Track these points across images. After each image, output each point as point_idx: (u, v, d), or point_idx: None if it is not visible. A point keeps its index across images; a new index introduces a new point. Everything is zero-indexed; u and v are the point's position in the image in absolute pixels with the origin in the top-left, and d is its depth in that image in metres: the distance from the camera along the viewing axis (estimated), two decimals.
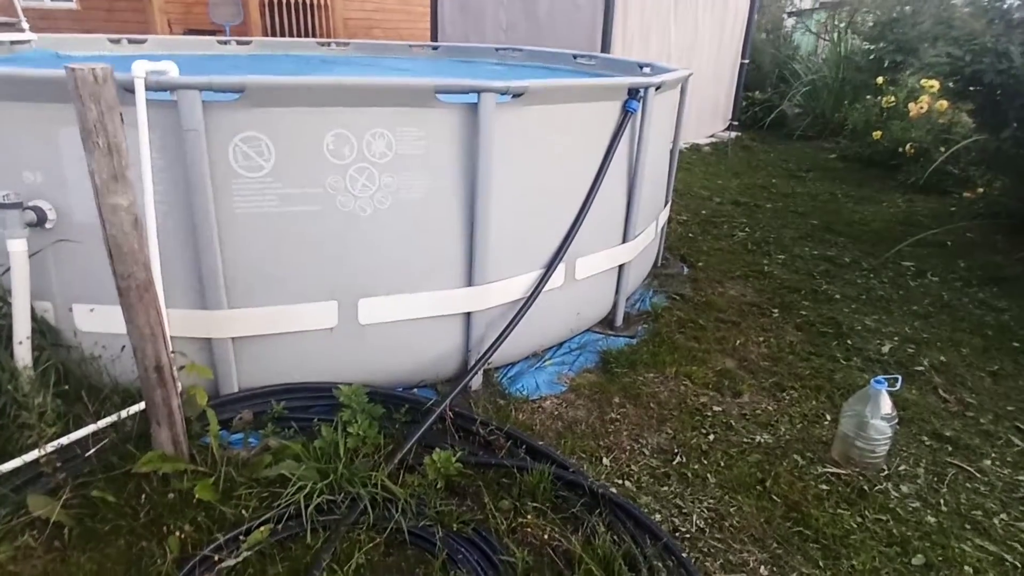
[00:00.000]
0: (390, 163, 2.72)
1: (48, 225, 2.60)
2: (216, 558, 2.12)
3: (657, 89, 3.67)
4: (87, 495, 2.31)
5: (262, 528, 2.22)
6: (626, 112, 3.53)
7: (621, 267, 3.95)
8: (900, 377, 2.85)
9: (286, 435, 2.67)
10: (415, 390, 3.09)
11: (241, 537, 2.20)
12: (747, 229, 6.32)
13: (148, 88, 2.33)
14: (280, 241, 2.68)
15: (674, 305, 4.48)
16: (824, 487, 2.78)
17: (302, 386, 2.88)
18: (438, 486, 2.48)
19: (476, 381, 3.24)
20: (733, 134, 11.15)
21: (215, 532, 2.23)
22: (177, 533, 2.15)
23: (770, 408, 3.35)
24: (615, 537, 2.32)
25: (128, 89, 2.29)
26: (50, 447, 2.36)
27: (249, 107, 2.47)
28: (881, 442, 2.85)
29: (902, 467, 2.94)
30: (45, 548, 2.19)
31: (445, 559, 2.17)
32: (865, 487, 2.78)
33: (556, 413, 3.17)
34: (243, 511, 2.32)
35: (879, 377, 2.85)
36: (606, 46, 8.25)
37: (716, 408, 3.31)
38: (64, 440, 2.44)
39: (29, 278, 2.59)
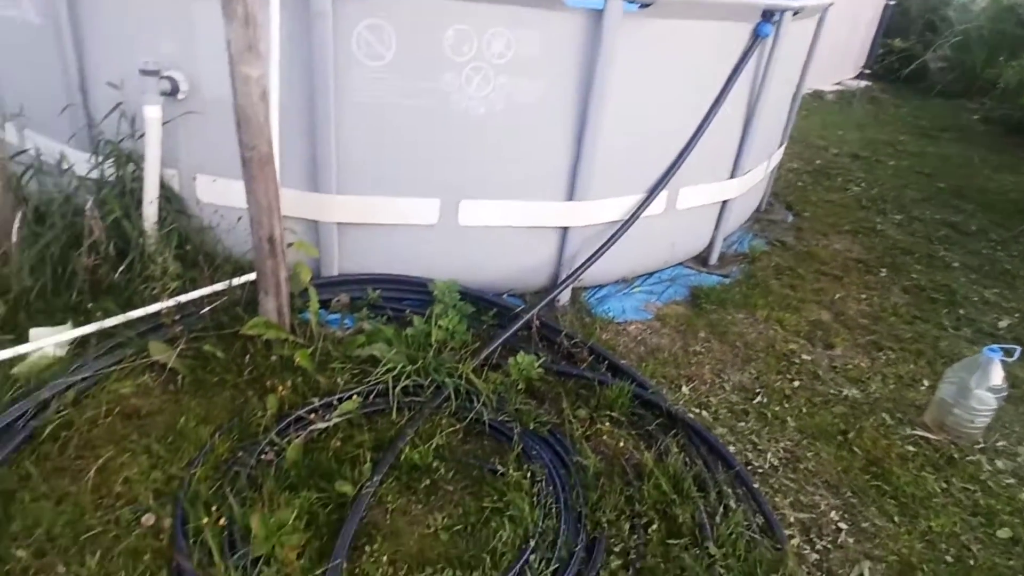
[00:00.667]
0: (507, 64, 2.67)
1: (180, 96, 2.74)
2: (310, 418, 2.29)
3: (795, 14, 3.40)
4: (199, 348, 2.52)
5: (353, 399, 2.36)
6: (756, 36, 3.29)
7: (724, 203, 3.80)
8: (1020, 349, 2.63)
9: (379, 321, 2.79)
10: (504, 296, 3.13)
11: (333, 404, 2.35)
12: (863, 184, 5.89)
13: None
14: (392, 134, 2.72)
15: (773, 251, 4.29)
16: (910, 448, 2.66)
17: (398, 278, 2.98)
18: (519, 387, 2.55)
19: (564, 296, 3.26)
20: (863, 83, 10.26)
21: (310, 397, 2.40)
22: (279, 389, 2.33)
23: (863, 365, 3.21)
24: (687, 459, 2.33)
25: None
26: (171, 302, 2.58)
27: None
28: (982, 413, 2.68)
29: (1001, 442, 2.77)
30: (161, 389, 2.43)
31: (520, 453, 2.25)
32: (955, 455, 2.65)
33: (640, 338, 3.15)
34: (336, 381, 2.47)
35: (993, 346, 2.65)
36: None
37: (805, 356, 3.20)
38: (183, 297, 2.66)
39: (160, 145, 2.77)
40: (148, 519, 1.90)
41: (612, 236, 3.13)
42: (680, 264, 3.88)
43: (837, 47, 9.78)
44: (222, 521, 1.87)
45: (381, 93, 2.63)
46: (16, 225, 2.68)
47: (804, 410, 2.82)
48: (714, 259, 3.95)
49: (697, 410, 2.72)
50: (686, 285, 3.66)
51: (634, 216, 3.18)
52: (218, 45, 2.10)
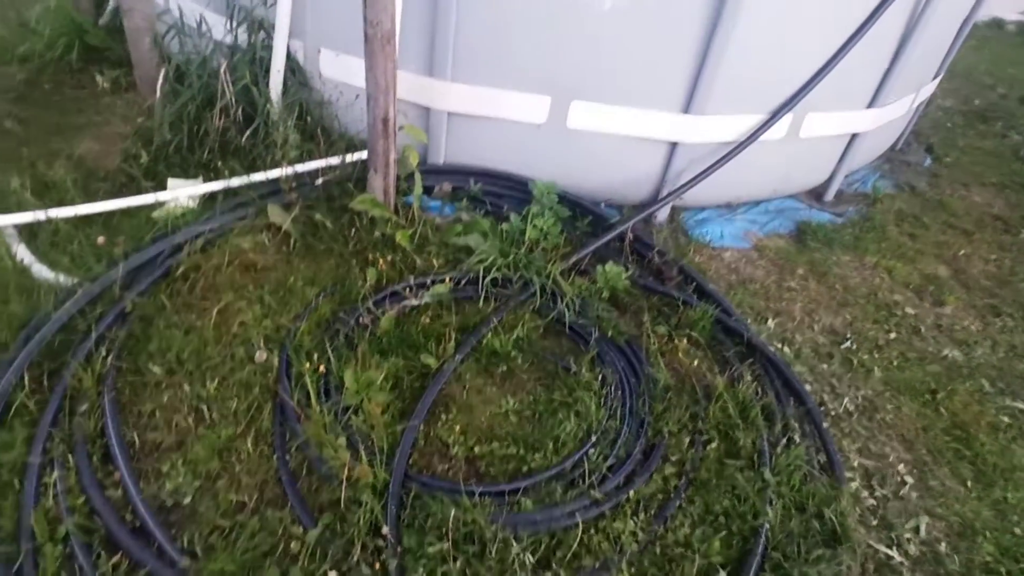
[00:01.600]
0: None
1: None
2: (405, 294, 2.45)
3: None
4: (311, 216, 2.71)
5: (445, 282, 2.50)
6: None
7: (854, 136, 3.52)
8: None
9: (478, 213, 2.87)
10: (602, 205, 3.12)
11: (427, 284, 2.49)
12: None
13: None
14: (512, 23, 2.67)
15: (899, 195, 3.97)
16: (1005, 419, 2.53)
17: (500, 173, 3.02)
18: (603, 295, 2.59)
19: (662, 214, 3.21)
20: None
21: (406, 274, 2.55)
22: (380, 264, 2.49)
23: (973, 328, 3.01)
24: (759, 389, 2.33)
25: None
26: (289, 170, 2.76)
27: None
28: None
29: None
30: (275, 248, 2.65)
31: (595, 356, 2.33)
32: None
33: (734, 266, 3.08)
34: (432, 263, 2.61)
35: None
36: None
37: (909, 310, 3.03)
38: (300, 167, 2.83)
39: (290, 15, 2.86)
40: (261, 355, 2.15)
41: (723, 158, 3.00)
42: (792, 196, 3.68)
43: None
44: (321, 370, 2.08)
45: None
46: (160, 82, 2.91)
47: (895, 363, 2.71)
48: (830, 195, 3.72)
49: (780, 345, 2.68)
50: (794, 219, 3.49)
51: (751, 138, 3.02)
52: None
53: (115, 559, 1.63)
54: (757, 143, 3.07)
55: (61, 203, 2.64)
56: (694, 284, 2.73)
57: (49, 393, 1.96)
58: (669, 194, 3.02)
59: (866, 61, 3.16)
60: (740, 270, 3.07)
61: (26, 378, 1.96)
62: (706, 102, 2.86)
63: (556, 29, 2.67)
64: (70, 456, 1.82)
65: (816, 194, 3.75)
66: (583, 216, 2.95)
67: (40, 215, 2.50)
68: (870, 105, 3.40)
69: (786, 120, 3.10)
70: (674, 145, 3.01)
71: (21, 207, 2.58)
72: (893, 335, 2.87)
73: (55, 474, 1.76)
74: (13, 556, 1.61)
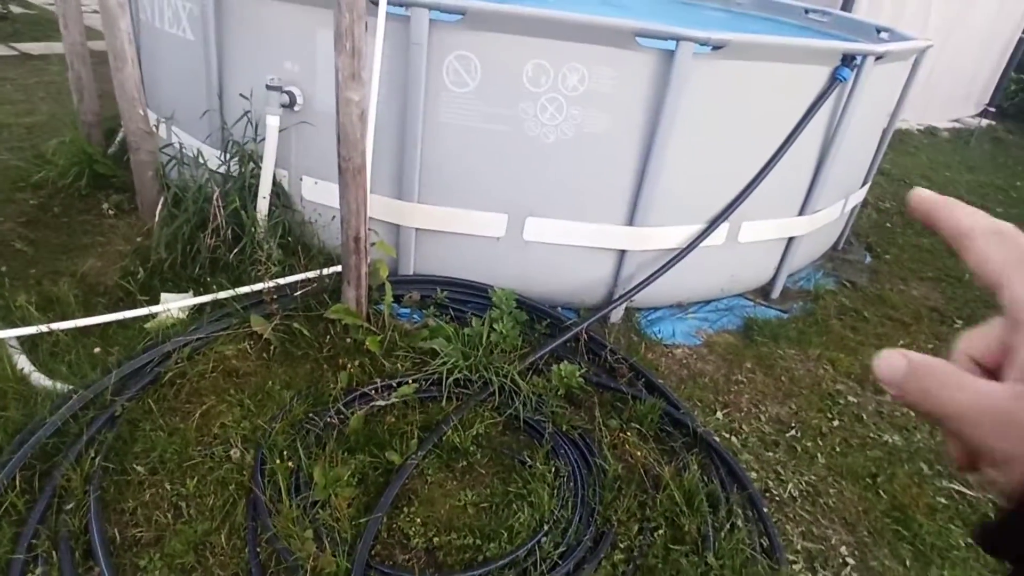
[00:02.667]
0: (580, 97, 2.94)
1: (296, 108, 3.20)
2: (373, 395, 2.65)
3: (878, 59, 3.45)
4: (290, 325, 2.95)
5: (411, 384, 2.71)
6: (835, 80, 3.37)
7: (791, 240, 3.88)
8: None
9: (443, 319, 3.13)
10: (559, 308, 3.39)
11: (394, 385, 2.71)
12: None
13: (389, 3, 2.75)
14: (470, 153, 3.06)
15: (841, 291, 4.29)
16: (942, 500, 2.69)
17: (464, 282, 3.31)
18: (558, 392, 2.80)
19: (616, 314, 3.48)
20: (984, 122, 9.67)
21: (375, 377, 2.77)
22: (350, 368, 2.71)
23: (911, 413, 3.21)
24: (705, 477, 2.51)
25: (373, 2, 2.72)
26: (271, 283, 3.03)
27: (467, 29, 2.81)
28: None
29: None
30: (256, 355, 2.88)
31: (549, 449, 2.51)
32: (991, 513, 2.65)
33: (685, 362, 3.32)
34: (398, 367, 2.83)
35: None
36: (848, 2, 7.52)
37: (851, 398, 3.25)
38: (281, 280, 3.11)
39: (276, 148, 3.24)
40: (235, 453, 2.32)
41: (667, 264, 3.32)
42: (740, 295, 3.98)
43: (959, 81, 9.31)
44: (291, 466, 2.26)
45: (464, 116, 2.97)
46: (159, 207, 3.24)
47: (838, 449, 2.90)
48: (776, 293, 4.02)
49: (727, 435, 2.87)
50: (741, 316, 3.77)
51: (691, 246, 3.35)
52: (333, 67, 2.51)
53: None
54: (700, 248, 3.40)
55: (63, 316, 2.88)
56: (643, 379, 2.96)
57: (39, 493, 2.12)
58: (619, 298, 3.31)
59: (792, 173, 3.56)
60: (691, 365, 3.30)
61: (17, 479, 2.12)
62: (647, 215, 3.21)
63: (509, 158, 3.05)
64: (54, 552, 1.96)
65: (763, 292, 4.05)
66: (541, 319, 3.21)
67: (43, 328, 2.74)
68: (801, 212, 3.78)
69: (723, 229, 3.45)
70: (623, 252, 3.33)
71: (25, 321, 2.82)
72: (836, 422, 3.07)
73: (39, 570, 1.89)
74: None
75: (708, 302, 3.82)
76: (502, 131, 2.99)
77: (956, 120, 9.61)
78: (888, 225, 5.60)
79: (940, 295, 4.47)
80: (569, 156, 3.06)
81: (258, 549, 2.06)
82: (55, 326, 2.77)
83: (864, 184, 4.63)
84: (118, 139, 4.52)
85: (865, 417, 3.14)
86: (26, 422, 2.38)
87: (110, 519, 2.12)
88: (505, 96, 2.93)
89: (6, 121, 5.36)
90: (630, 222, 3.25)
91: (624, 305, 3.40)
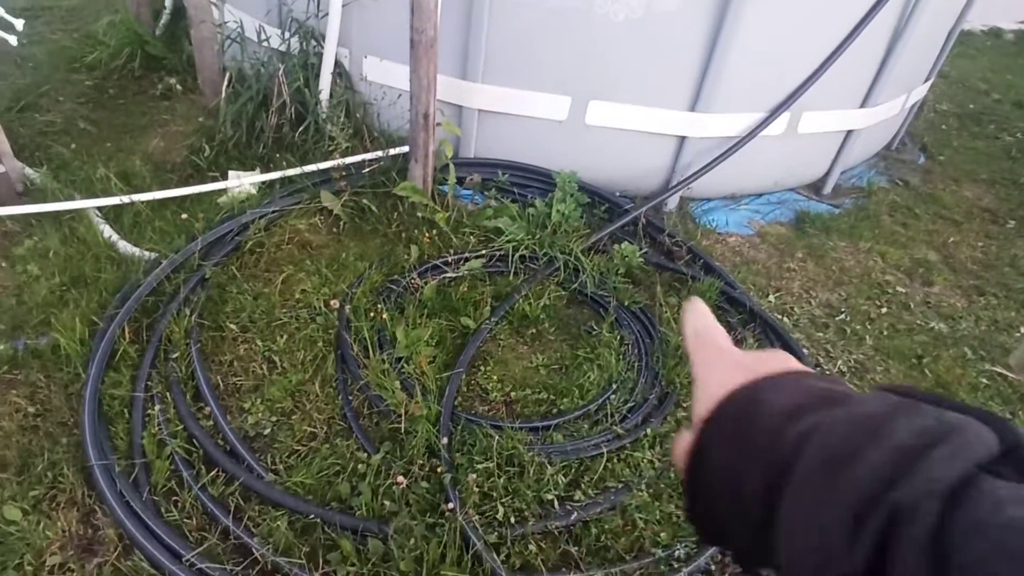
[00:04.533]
0: None
1: None
2: (443, 268, 2.77)
3: None
4: (358, 202, 3.04)
5: (479, 259, 2.81)
6: None
7: (848, 133, 3.82)
8: None
9: (505, 200, 3.20)
10: (617, 194, 3.43)
11: (462, 260, 2.81)
12: (1018, 135, 5.52)
13: None
14: (536, 31, 3.01)
15: (893, 189, 4.26)
16: (984, 380, 2.80)
17: (525, 166, 3.34)
18: (619, 271, 2.90)
19: (672, 202, 3.51)
20: None
21: (444, 252, 2.87)
22: (423, 239, 2.81)
23: (958, 304, 3.29)
24: (760, 348, 2.62)
25: None
26: (339, 161, 3.09)
27: None
28: None
29: None
30: (327, 229, 2.98)
31: (614, 320, 2.63)
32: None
33: (737, 249, 3.39)
34: (466, 243, 2.93)
35: None
36: None
37: (900, 288, 3.32)
38: (347, 159, 3.16)
39: (339, 25, 3.21)
40: (335, 302, 2.48)
41: (725, 152, 3.31)
42: (792, 189, 3.98)
43: None
44: (375, 328, 2.40)
45: None
46: (224, 85, 3.26)
47: (885, 332, 2.99)
48: (828, 189, 4.01)
49: (780, 316, 2.97)
50: (793, 209, 3.79)
51: (752, 134, 3.33)
52: None
53: (212, 474, 1.95)
54: (758, 138, 3.37)
55: (138, 190, 2.99)
56: (701, 261, 3.04)
57: (146, 343, 2.29)
58: (677, 184, 3.33)
59: (858, 63, 3.47)
60: (743, 253, 3.37)
61: (126, 330, 2.29)
62: (710, 101, 3.18)
63: (575, 38, 3.00)
64: (168, 394, 2.14)
65: (815, 187, 4.04)
66: (600, 203, 3.26)
67: (124, 199, 2.85)
68: (863, 104, 3.70)
69: (784, 118, 3.41)
70: (682, 140, 3.33)
71: (106, 193, 2.93)
72: (884, 310, 3.15)
73: (157, 407, 2.08)
74: (129, 469, 1.93)
75: (761, 195, 3.83)
76: (571, 7, 2.92)
77: (1023, 22, 9.08)
78: (944, 127, 5.45)
79: (993, 196, 4.43)
80: (636, 36, 3.00)
81: (350, 397, 2.23)
82: (135, 197, 2.88)
83: (927, 81, 4.48)
84: (163, 21, 4.47)
85: (912, 306, 3.21)
86: (122, 284, 2.53)
87: (211, 368, 2.30)
88: None
89: (46, 4, 5.30)
90: (692, 108, 3.22)
91: (679, 193, 3.43)
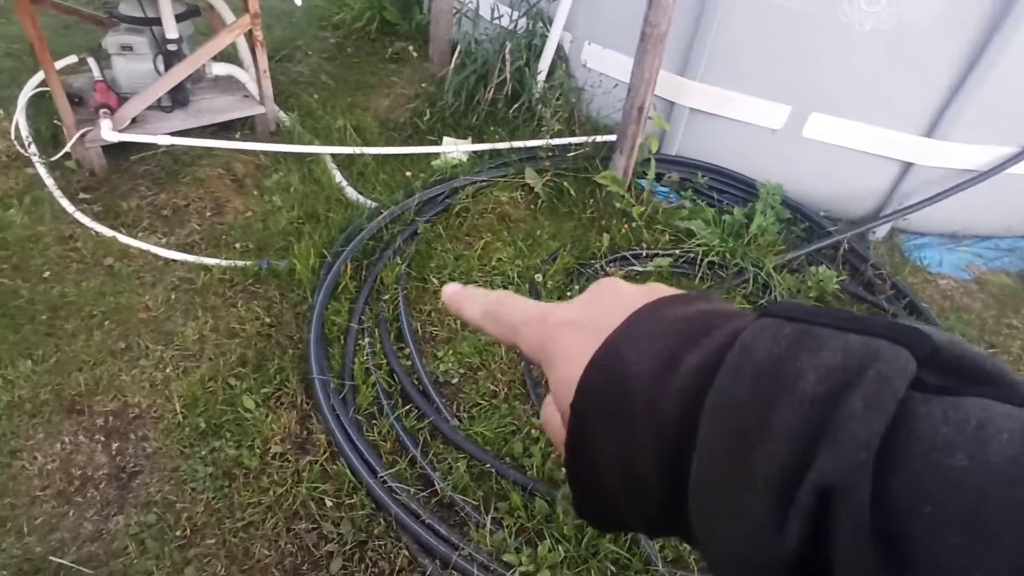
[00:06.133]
0: None
1: None
2: (631, 260, 2.82)
3: None
4: (559, 183, 3.16)
5: (667, 257, 2.83)
6: None
7: None
8: None
9: (701, 203, 3.17)
10: (820, 214, 3.26)
11: (651, 256, 2.84)
12: None
13: None
14: (768, 33, 2.92)
15: None
16: None
17: (726, 171, 3.28)
18: (811, 294, 2.78)
19: (881, 231, 3.28)
20: None
21: (634, 245, 2.92)
22: (618, 228, 2.88)
23: None
24: None
25: None
26: (546, 141, 3.23)
27: None
28: None
29: None
30: (525, 205, 3.13)
31: None
32: None
33: (949, 293, 3.09)
34: (657, 239, 2.95)
35: None
36: None
37: None
38: (554, 141, 3.29)
39: (568, 10, 3.32)
40: (538, 276, 2.64)
41: (957, 185, 3.01)
42: None
43: None
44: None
45: None
46: (455, 55, 3.51)
47: None
48: None
49: None
50: None
51: (994, 170, 3.00)
52: None
53: (406, 408, 2.17)
54: (1000, 176, 3.03)
55: (367, 143, 3.33)
56: (906, 300, 2.82)
57: (363, 282, 2.58)
58: (893, 212, 3.09)
59: None
60: (955, 299, 3.07)
61: (348, 268, 2.59)
62: (951, 128, 2.90)
63: (808, 44, 2.87)
64: (376, 330, 2.41)
65: None
66: (800, 221, 3.12)
67: (356, 150, 3.19)
68: None
69: None
70: (907, 166, 3.08)
71: (342, 142, 3.30)
72: None
73: (367, 340, 2.35)
74: (339, 388, 2.21)
75: (988, 238, 3.44)
76: (812, 13, 2.80)
77: None
78: None
79: None
80: (879, 48, 2.81)
81: (531, 366, 2.37)
82: (365, 150, 3.21)
83: None
84: None
85: None
86: (346, 225, 2.85)
87: (413, 315, 2.55)
88: None
89: None
90: (928, 133, 2.96)
91: (892, 223, 3.18)
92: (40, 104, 3.26)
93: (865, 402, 0.22)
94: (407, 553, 1.83)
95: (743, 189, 3.22)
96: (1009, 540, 0.19)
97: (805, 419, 0.22)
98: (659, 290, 0.33)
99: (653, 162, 3.13)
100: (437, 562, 1.79)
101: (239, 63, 3.44)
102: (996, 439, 0.20)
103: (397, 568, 1.80)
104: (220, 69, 3.29)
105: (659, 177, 3.31)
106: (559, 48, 3.48)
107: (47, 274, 2.53)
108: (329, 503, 1.92)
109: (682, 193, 3.23)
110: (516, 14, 3.50)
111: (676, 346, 0.28)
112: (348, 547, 1.83)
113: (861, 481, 0.21)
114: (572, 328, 0.32)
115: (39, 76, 3.25)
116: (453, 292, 0.41)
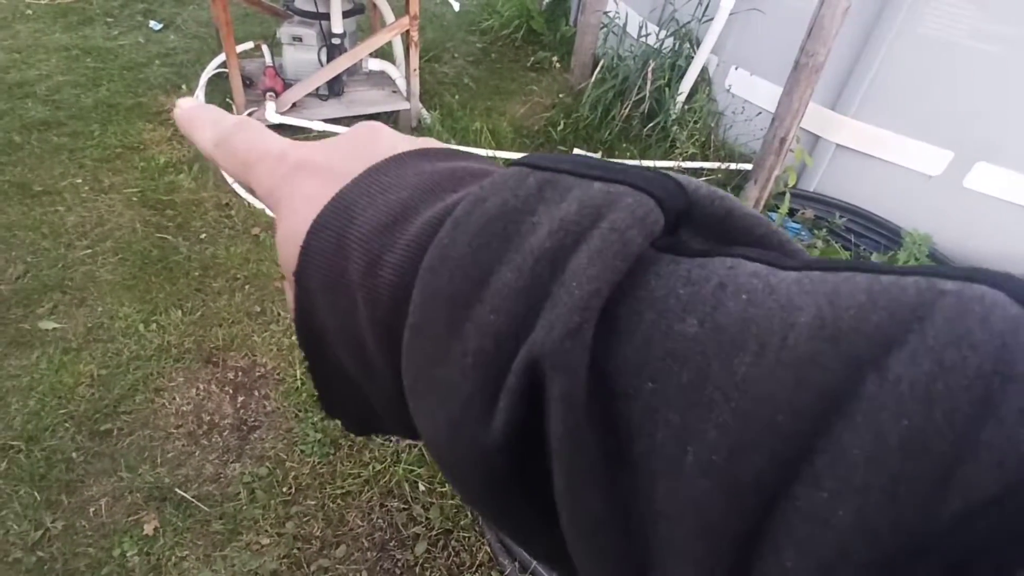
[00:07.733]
0: None
1: None
2: None
3: None
4: None
5: None
6: None
7: None
8: None
9: (835, 244, 2.99)
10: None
11: None
12: None
13: None
14: (937, 72, 2.71)
15: None
16: None
17: (868, 214, 3.08)
18: None
19: None
20: None
21: None
22: None
23: None
24: None
25: None
26: (680, 163, 3.18)
27: None
28: None
29: None
30: None
31: None
32: None
33: None
34: None
35: None
36: None
37: None
38: (686, 164, 3.23)
39: (718, 33, 3.25)
40: None
41: None
42: None
43: None
44: None
45: (948, 30, 2.62)
46: (597, 69, 3.54)
47: None
48: None
49: None
50: None
51: None
52: None
53: None
54: None
55: (502, 148, 3.42)
56: None
57: None
58: None
59: None
60: None
61: None
62: None
63: (988, 85, 2.64)
64: None
65: None
66: None
67: (490, 152, 3.30)
68: None
69: None
70: None
71: (477, 144, 3.42)
72: None
73: None
74: None
75: None
76: (991, 52, 2.57)
77: None
78: None
79: None
80: None
81: None
82: (501, 154, 3.31)
83: None
84: (547, 0, 4.96)
85: None
86: None
87: None
88: (1016, 10, 2.48)
89: None
90: None
91: None
92: (216, 83, 3.63)
93: (589, 258, 0.18)
94: (488, 550, 1.86)
95: (885, 236, 3.01)
96: (725, 414, 0.15)
97: (526, 280, 0.18)
98: (429, 142, 0.27)
99: (788, 196, 3.00)
100: (517, 564, 1.81)
101: (392, 60, 3.65)
102: (734, 300, 0.16)
103: (477, 562, 1.84)
104: (375, 65, 3.50)
105: (792, 212, 3.16)
106: (703, 71, 3.41)
107: (204, 236, 2.81)
108: (422, 487, 1.99)
109: (815, 232, 3.07)
110: (664, 33, 3.48)
111: (411, 200, 0.23)
112: (434, 533, 1.89)
113: (575, 352, 0.17)
114: (309, 172, 0.26)
115: (220, 58, 3.62)
116: (188, 108, 0.31)
